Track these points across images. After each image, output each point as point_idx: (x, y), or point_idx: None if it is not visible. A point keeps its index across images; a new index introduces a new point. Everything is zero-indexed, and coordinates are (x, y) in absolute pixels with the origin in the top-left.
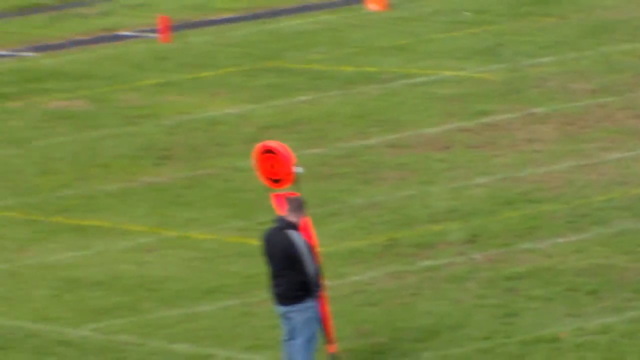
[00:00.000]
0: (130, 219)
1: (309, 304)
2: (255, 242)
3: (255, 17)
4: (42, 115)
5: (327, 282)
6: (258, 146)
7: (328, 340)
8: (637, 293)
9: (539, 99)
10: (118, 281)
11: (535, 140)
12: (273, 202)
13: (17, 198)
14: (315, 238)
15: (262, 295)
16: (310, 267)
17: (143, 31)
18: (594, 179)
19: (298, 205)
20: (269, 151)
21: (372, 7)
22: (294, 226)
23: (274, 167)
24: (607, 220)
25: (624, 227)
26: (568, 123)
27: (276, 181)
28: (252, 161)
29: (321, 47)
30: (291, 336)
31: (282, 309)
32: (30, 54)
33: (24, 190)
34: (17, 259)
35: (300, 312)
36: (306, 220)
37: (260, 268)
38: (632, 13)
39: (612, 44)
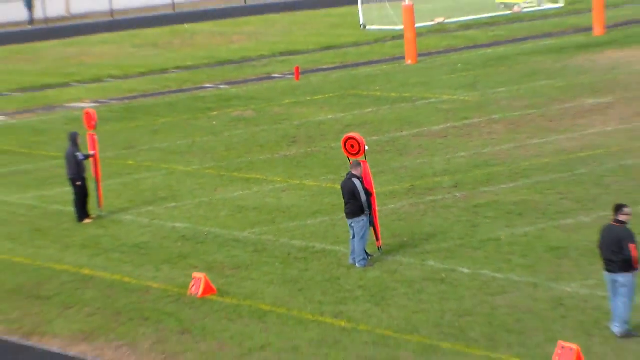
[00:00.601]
0: (273, 174)
1: (363, 218)
2: (338, 187)
3: (345, 66)
4: (228, 119)
5: (378, 208)
6: (345, 136)
7: (376, 237)
8: (544, 215)
9: (496, 111)
10: (264, 207)
11: (493, 133)
12: (349, 165)
13: (213, 163)
14: (372, 184)
15: (341, 215)
16: (363, 198)
17: (285, 74)
18: (522, 153)
19: (357, 165)
20: (351, 138)
21: (408, 62)
22: (356, 176)
23: (353, 146)
24: (529, 175)
25: (538, 180)
26: (511, 124)
27: (353, 154)
28: (341, 143)
29: (379, 83)
30: (354, 236)
31: (349, 220)
32: (224, 86)
33: (217, 158)
34: (211, 195)
35: (359, 223)
36: (366, 173)
37: (340, 200)
38: (550, 65)
39: (538, 81)
